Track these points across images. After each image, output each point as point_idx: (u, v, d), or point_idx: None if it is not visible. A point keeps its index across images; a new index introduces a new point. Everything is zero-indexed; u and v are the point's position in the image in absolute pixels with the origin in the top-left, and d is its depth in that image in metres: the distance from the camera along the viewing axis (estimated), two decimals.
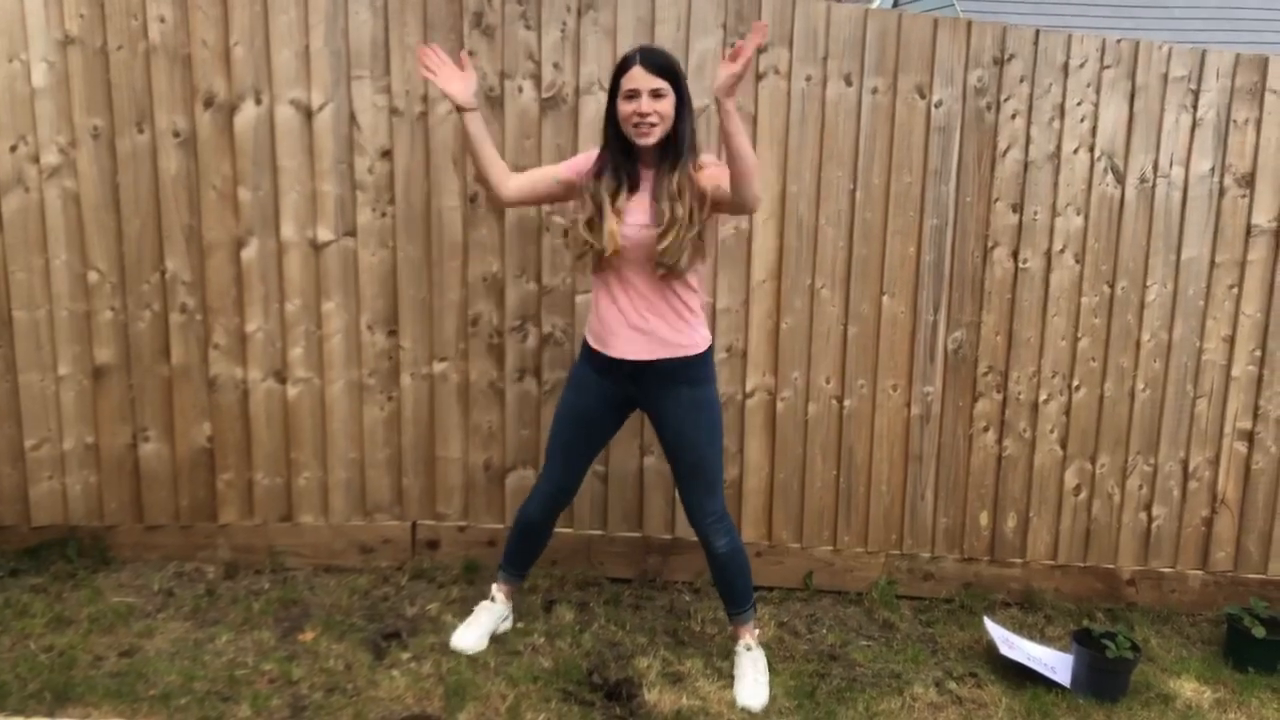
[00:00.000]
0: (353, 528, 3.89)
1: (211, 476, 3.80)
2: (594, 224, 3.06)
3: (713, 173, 3.04)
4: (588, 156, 3.19)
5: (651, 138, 2.97)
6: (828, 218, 3.82)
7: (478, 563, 3.91)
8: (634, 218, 3.04)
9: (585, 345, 3.26)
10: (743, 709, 3.22)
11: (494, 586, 3.53)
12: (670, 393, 3.17)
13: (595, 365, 3.22)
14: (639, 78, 2.94)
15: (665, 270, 3.02)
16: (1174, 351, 4.02)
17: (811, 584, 4.04)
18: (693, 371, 3.17)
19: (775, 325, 3.87)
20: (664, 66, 2.97)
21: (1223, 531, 4.15)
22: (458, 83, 3.09)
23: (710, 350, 3.22)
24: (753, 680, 3.31)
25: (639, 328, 3.11)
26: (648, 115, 2.94)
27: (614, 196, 3.05)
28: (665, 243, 2.97)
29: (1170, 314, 3.99)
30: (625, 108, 2.97)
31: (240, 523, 3.84)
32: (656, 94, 2.94)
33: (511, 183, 3.21)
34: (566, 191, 3.22)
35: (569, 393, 3.33)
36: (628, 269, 3.08)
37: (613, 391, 3.22)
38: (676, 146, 3.01)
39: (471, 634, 3.41)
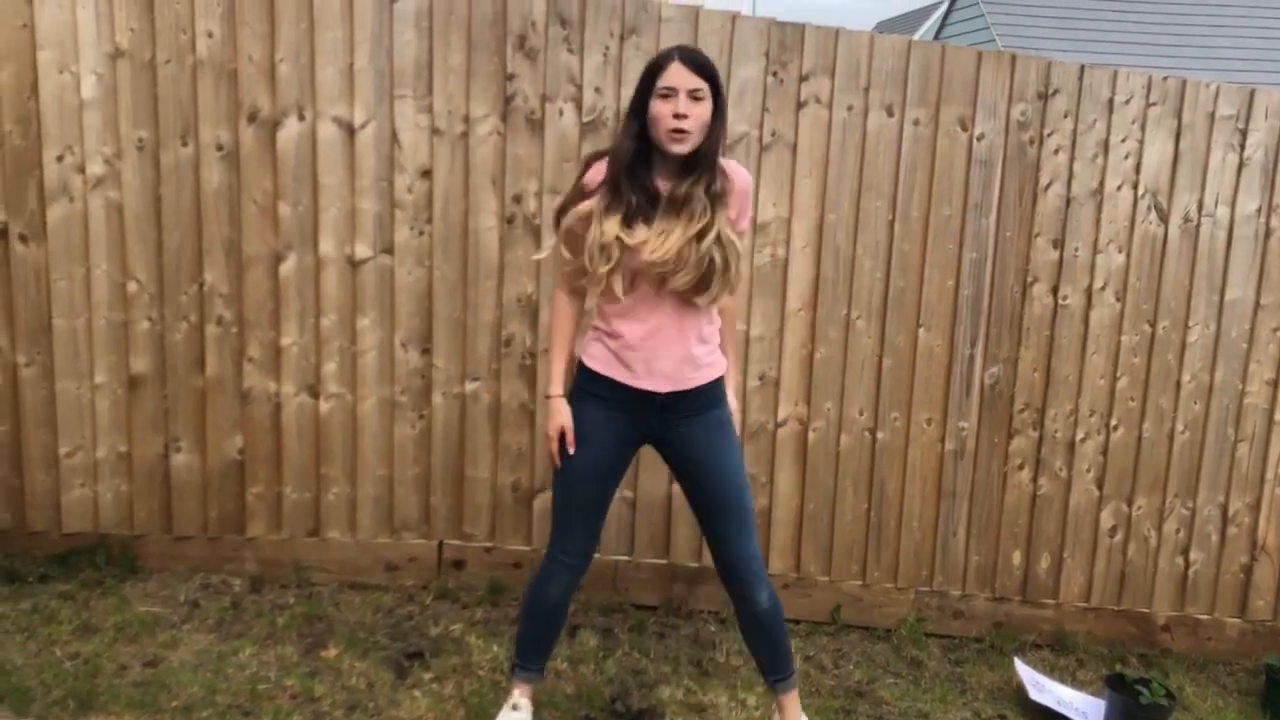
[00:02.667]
0: (379, 545, 3.89)
1: (241, 489, 3.81)
2: (622, 237, 2.64)
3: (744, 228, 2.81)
4: (593, 176, 2.74)
5: (685, 145, 2.61)
6: (865, 248, 3.80)
7: (503, 584, 3.89)
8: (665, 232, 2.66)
9: (589, 377, 2.82)
10: None
11: (515, 693, 3.00)
12: (699, 419, 2.82)
13: (605, 396, 2.81)
14: (677, 75, 2.59)
15: (704, 288, 2.68)
16: (1215, 394, 3.95)
17: (839, 618, 3.98)
18: (718, 392, 2.87)
19: (809, 355, 3.84)
20: (704, 66, 2.63)
21: (1262, 579, 4.07)
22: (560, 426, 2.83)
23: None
24: None
25: (666, 358, 2.75)
26: (684, 118, 2.58)
27: (643, 209, 2.67)
28: (661, 243, 2.62)
29: (1212, 355, 3.93)
30: (661, 107, 2.60)
31: (268, 536, 3.84)
32: (695, 95, 2.60)
33: (575, 300, 2.91)
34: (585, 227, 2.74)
35: (578, 445, 2.82)
36: (655, 288, 2.71)
37: (623, 424, 2.82)
38: (706, 156, 2.65)
39: None
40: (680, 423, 2.82)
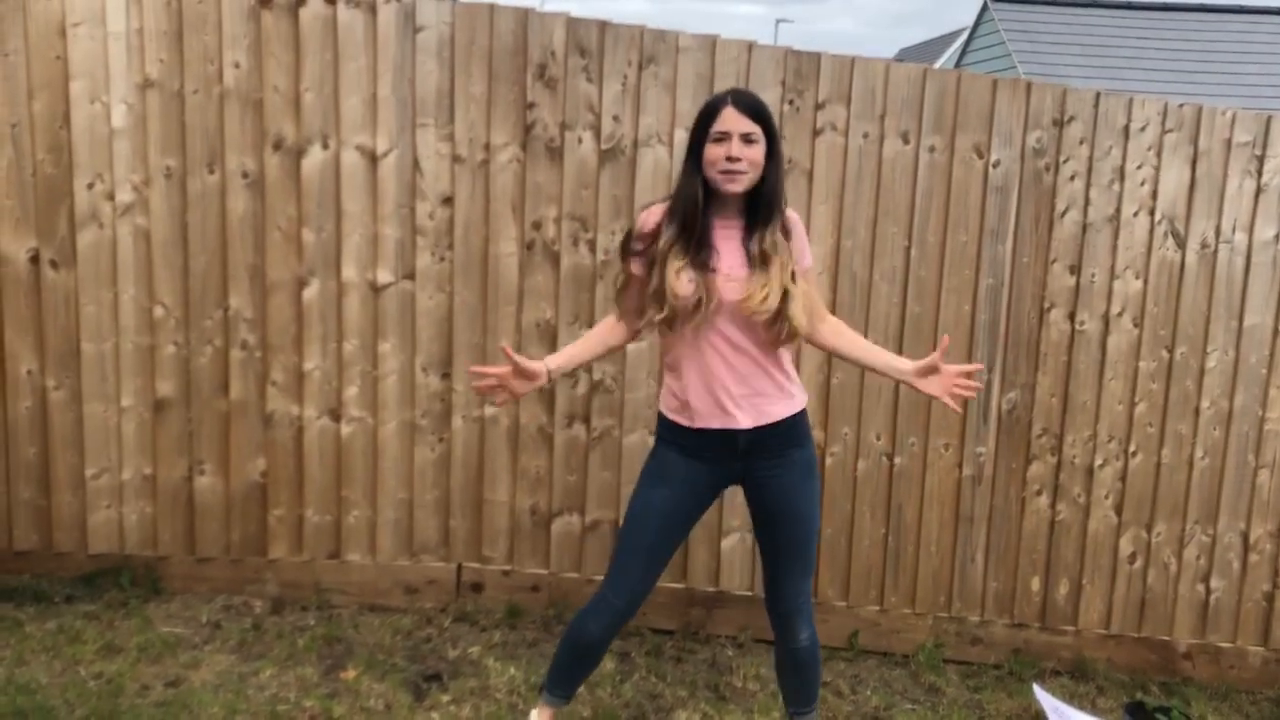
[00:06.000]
0: (399, 567, 3.92)
1: (263, 511, 3.85)
2: (684, 280, 2.65)
3: (800, 251, 2.79)
4: (645, 219, 2.77)
5: (739, 185, 2.63)
6: (882, 274, 3.82)
7: (521, 607, 3.92)
8: (729, 270, 2.69)
9: (667, 426, 2.84)
10: None
11: (535, 713, 3.02)
12: (779, 459, 2.82)
13: (684, 444, 2.81)
14: (730, 119, 2.61)
15: (774, 325, 2.70)
16: (1235, 420, 3.93)
17: (857, 644, 3.97)
18: (800, 430, 2.85)
19: (826, 379, 3.86)
20: (756, 109, 2.64)
21: None
22: (524, 383, 2.79)
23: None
24: None
25: (743, 394, 2.75)
26: (738, 160, 2.61)
27: (700, 249, 2.68)
28: (765, 293, 2.65)
29: (1231, 381, 3.92)
30: (714, 151, 2.62)
31: (289, 558, 3.88)
32: (748, 138, 2.62)
33: (620, 325, 2.92)
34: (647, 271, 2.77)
35: (650, 486, 2.84)
36: (722, 328, 2.71)
37: (704, 473, 2.83)
38: (768, 199, 2.68)
39: None
40: (763, 465, 2.81)
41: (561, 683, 2.98)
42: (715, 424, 2.76)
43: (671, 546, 2.89)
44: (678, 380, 2.80)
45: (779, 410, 2.79)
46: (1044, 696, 3.63)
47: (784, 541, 2.88)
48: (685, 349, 2.75)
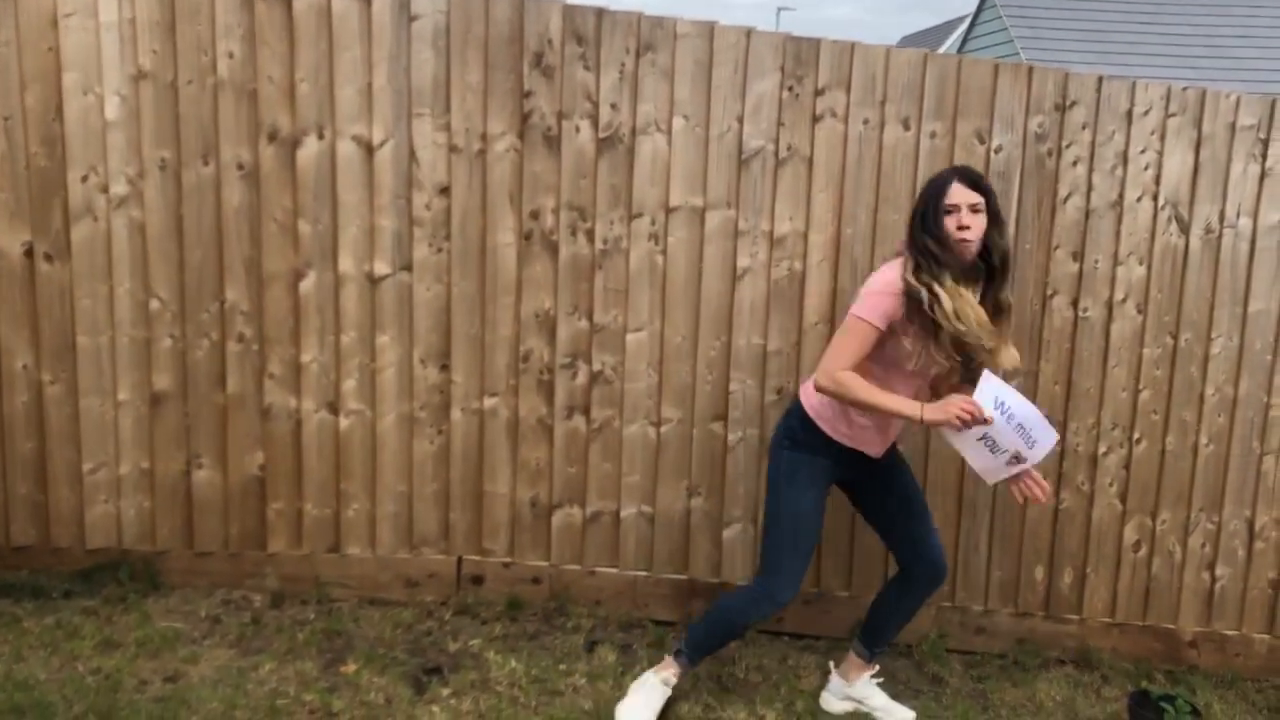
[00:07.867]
0: (399, 560, 3.90)
1: (262, 505, 3.83)
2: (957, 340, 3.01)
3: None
4: (890, 298, 3.02)
5: (970, 252, 3.02)
6: (884, 261, 3.78)
7: (521, 600, 3.90)
8: None
9: (818, 437, 3.16)
10: None
11: (670, 673, 3.31)
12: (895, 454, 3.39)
13: (836, 457, 3.19)
14: (958, 193, 3.01)
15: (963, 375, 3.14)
16: (1240, 406, 3.90)
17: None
18: None
19: None
20: (978, 182, 3.05)
21: None
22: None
23: None
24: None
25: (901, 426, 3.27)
26: (968, 229, 2.99)
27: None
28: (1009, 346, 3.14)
29: (1236, 368, 3.88)
30: (949, 223, 3.01)
31: (288, 552, 3.86)
32: (974, 208, 3.01)
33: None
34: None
35: (808, 489, 3.19)
36: (929, 375, 3.17)
37: (837, 475, 3.29)
38: (1002, 263, 3.09)
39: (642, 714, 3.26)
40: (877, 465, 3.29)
41: (703, 656, 3.36)
42: (870, 450, 3.20)
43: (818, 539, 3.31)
44: (862, 415, 3.12)
45: None
46: (990, 380, 3.06)
47: (911, 497, 3.36)
48: (903, 392, 3.09)
